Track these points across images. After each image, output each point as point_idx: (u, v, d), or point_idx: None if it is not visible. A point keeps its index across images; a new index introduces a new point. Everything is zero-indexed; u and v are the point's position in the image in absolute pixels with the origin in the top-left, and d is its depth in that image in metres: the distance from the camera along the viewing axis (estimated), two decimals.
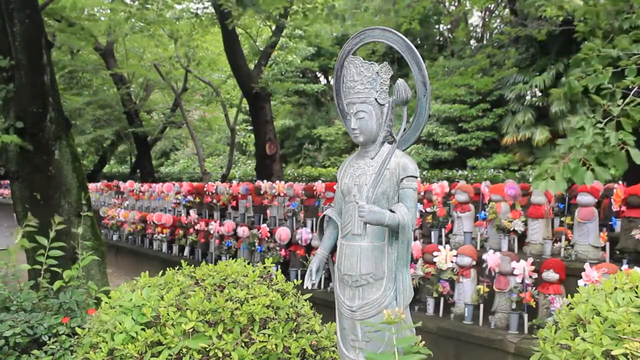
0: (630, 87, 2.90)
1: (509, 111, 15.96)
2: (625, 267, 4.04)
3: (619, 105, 2.68)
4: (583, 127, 2.73)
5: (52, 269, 3.34)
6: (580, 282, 3.78)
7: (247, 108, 12.92)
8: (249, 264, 2.73)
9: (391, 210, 2.09)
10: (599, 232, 4.79)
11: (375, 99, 2.19)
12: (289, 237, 6.66)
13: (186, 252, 8.56)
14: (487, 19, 18.48)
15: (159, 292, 2.40)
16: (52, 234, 3.31)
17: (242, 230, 7.20)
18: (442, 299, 4.98)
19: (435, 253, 4.99)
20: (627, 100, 2.66)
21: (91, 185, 12.30)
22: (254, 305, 2.33)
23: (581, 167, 2.56)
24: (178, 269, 2.69)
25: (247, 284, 2.49)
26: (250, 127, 19.10)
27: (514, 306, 4.44)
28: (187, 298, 2.34)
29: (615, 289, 2.10)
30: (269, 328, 2.36)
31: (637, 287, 2.05)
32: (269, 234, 6.86)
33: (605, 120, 2.65)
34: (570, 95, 3.28)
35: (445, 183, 6.17)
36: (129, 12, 8.27)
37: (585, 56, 3.42)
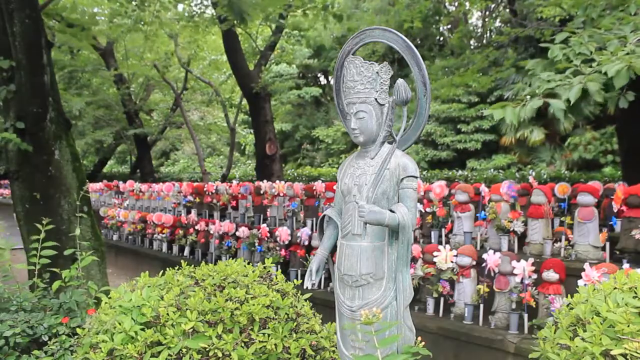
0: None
1: None
2: (625, 266, 4.04)
3: (591, 67, 2.95)
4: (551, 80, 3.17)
5: (52, 269, 3.35)
6: (580, 282, 3.78)
7: (247, 108, 12.93)
8: (249, 264, 2.73)
9: (391, 210, 2.09)
10: (599, 232, 4.79)
11: (375, 99, 2.19)
12: (289, 237, 6.66)
13: (186, 252, 8.56)
14: (486, 20, 18.47)
15: (158, 292, 2.40)
16: (42, 235, 3.33)
17: (242, 230, 7.20)
18: (442, 299, 4.98)
19: (435, 253, 4.99)
20: (603, 58, 2.93)
21: (91, 185, 12.28)
22: (253, 305, 2.33)
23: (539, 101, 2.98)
24: (178, 269, 2.69)
25: (247, 284, 2.49)
26: (250, 129, 19.08)
27: (514, 306, 4.44)
28: (187, 298, 2.34)
29: (615, 289, 2.10)
30: (268, 328, 2.36)
31: (636, 287, 2.05)
32: (269, 234, 6.86)
33: (575, 76, 3.03)
34: (551, 62, 3.45)
35: (444, 183, 6.16)
36: (133, 8, 8.25)
37: (569, 34, 3.54)
